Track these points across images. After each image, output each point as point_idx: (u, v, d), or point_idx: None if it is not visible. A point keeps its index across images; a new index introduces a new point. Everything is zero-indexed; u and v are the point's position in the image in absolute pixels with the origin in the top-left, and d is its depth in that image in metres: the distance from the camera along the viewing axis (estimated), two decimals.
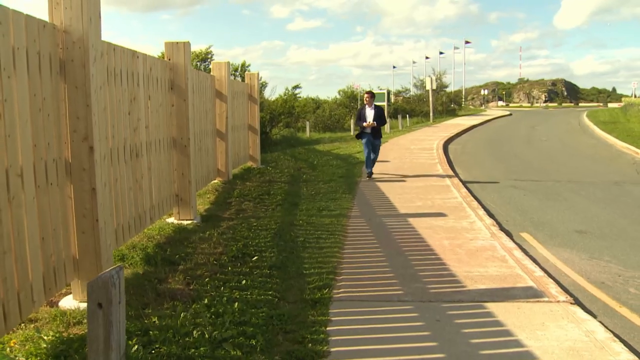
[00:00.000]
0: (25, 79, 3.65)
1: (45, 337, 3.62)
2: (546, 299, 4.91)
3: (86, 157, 4.28)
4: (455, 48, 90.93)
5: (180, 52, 7.29)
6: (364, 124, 12.27)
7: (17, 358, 3.38)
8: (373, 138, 12.32)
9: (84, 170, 4.29)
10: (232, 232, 7.02)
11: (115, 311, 2.81)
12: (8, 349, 3.53)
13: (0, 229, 3.33)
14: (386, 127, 24.71)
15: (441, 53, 78.26)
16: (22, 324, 3.98)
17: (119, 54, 5.41)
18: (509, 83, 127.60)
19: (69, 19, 4.12)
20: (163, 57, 7.39)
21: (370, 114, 12.26)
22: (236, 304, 4.46)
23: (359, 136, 12.80)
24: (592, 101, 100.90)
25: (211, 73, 10.81)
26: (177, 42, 7.29)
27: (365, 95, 12.75)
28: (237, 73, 22.40)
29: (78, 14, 4.12)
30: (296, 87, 28.71)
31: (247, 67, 22.78)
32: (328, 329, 4.22)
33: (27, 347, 3.55)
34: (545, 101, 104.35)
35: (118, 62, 5.38)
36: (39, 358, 3.40)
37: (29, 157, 3.67)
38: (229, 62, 10.94)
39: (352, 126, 29.77)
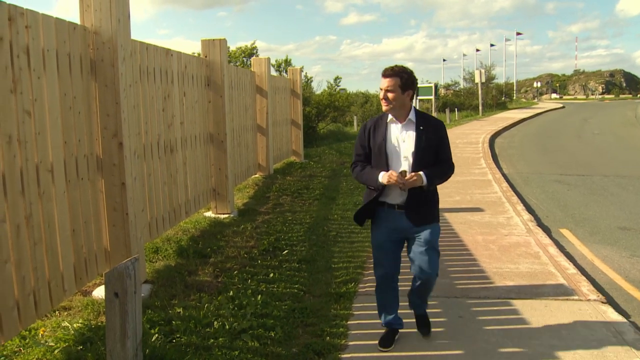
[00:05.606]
0: (55, 79, 3.82)
1: (73, 325, 3.80)
2: (576, 297, 4.79)
3: (116, 153, 4.45)
4: (507, 40, 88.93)
5: (216, 49, 7.40)
6: (380, 177, 3.49)
7: (46, 343, 3.57)
8: (411, 222, 3.57)
9: (114, 165, 4.46)
10: (266, 226, 7.12)
11: (130, 300, 2.94)
12: (40, 334, 3.74)
13: (31, 221, 3.51)
14: None
15: (492, 45, 76.91)
16: (56, 312, 4.19)
17: (152, 52, 5.55)
18: (563, 75, 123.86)
19: (99, 20, 4.29)
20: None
21: (404, 140, 3.55)
22: (260, 296, 4.56)
23: (360, 217, 3.76)
24: None
25: (251, 69, 10.95)
26: (213, 40, 7.41)
27: (382, 92, 3.52)
28: (282, 68, 22.56)
29: (107, 16, 4.28)
30: (336, 78, 28.64)
31: (289, 62, 22.92)
32: (349, 322, 4.25)
33: (57, 334, 3.74)
34: (602, 93, 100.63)
35: (151, 60, 5.53)
36: (66, 344, 3.58)
37: (59, 153, 3.85)
38: (269, 58, 11.04)
39: None
